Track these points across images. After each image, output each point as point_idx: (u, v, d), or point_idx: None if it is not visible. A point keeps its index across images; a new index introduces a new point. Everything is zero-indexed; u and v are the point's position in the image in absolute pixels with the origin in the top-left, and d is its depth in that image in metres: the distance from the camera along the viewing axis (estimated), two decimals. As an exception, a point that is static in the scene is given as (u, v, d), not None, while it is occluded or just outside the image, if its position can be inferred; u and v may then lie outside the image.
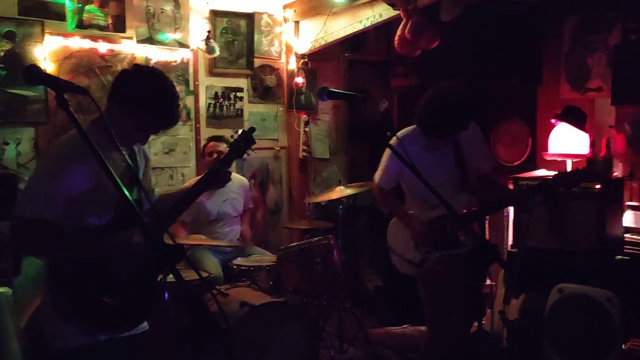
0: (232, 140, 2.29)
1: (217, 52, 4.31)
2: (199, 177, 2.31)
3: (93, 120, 2.02)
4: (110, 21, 3.96)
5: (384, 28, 4.90)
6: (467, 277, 2.85)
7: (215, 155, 3.99)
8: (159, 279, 3.25)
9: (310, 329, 3.22)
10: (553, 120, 3.95)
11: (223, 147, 3.97)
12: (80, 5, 3.84)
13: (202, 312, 1.18)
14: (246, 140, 2.25)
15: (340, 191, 3.89)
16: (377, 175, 2.99)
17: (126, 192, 1.39)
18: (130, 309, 1.95)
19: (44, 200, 1.81)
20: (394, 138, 2.73)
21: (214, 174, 2.21)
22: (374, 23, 4.08)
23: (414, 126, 2.88)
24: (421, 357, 3.13)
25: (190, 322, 1.18)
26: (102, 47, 3.92)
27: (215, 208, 3.98)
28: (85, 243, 1.87)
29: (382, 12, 3.97)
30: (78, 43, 3.84)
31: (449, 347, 2.95)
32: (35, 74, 1.35)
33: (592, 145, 3.67)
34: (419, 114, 2.77)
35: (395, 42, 3.89)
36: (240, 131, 2.29)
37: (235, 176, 4.17)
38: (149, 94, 1.95)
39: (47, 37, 3.72)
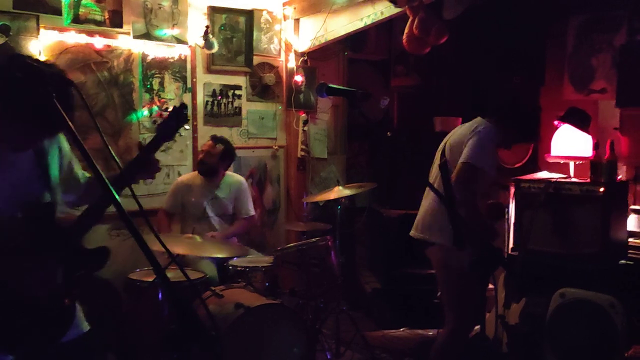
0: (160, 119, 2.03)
1: (216, 48, 4.24)
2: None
3: None
4: (107, 16, 3.89)
5: (385, 26, 4.86)
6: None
7: (201, 155, 3.92)
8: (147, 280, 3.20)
9: (306, 332, 3.16)
10: (556, 122, 3.89)
11: (219, 148, 3.90)
12: (76, -1, 3.77)
13: (190, 318, 1.10)
14: (178, 117, 1.95)
15: (339, 191, 3.83)
16: (480, 157, 2.80)
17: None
18: (25, 320, 1.71)
19: None
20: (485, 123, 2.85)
21: (139, 162, 1.95)
22: (375, 21, 4.01)
23: (486, 119, 2.93)
24: (438, 356, 3.03)
25: (176, 328, 1.10)
26: (99, 42, 3.86)
27: (201, 204, 3.90)
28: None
29: (384, 10, 3.90)
30: (74, 38, 3.78)
31: (462, 352, 2.90)
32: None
33: (596, 147, 3.62)
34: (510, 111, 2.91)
35: (404, 41, 3.82)
36: (171, 108, 1.98)
37: (230, 175, 4.10)
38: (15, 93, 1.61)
39: (42, 31, 3.66)
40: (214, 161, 3.90)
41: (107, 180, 1.24)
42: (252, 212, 4.11)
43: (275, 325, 2.99)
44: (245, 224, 4.09)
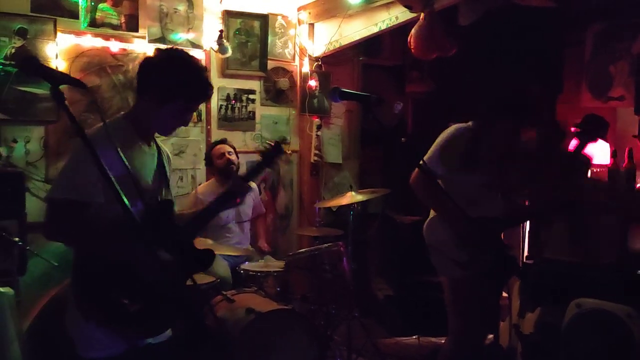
0: (263, 149, 2.26)
1: (230, 52, 4.25)
2: (219, 193, 2.24)
3: (125, 114, 1.99)
4: (122, 20, 3.93)
5: (400, 31, 4.82)
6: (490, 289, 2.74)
7: (226, 157, 3.93)
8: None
9: (317, 338, 3.13)
10: (573, 129, 3.83)
11: (228, 148, 3.92)
12: (93, 3, 3.81)
13: (198, 323, 1.09)
14: (278, 150, 2.23)
15: (351, 197, 3.80)
16: (430, 159, 2.77)
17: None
18: (154, 315, 1.86)
19: (82, 182, 1.73)
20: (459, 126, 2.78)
21: (237, 187, 2.17)
22: (389, 26, 3.99)
23: (469, 122, 2.85)
24: None
25: (184, 332, 1.10)
26: (114, 46, 3.89)
27: (224, 213, 3.91)
28: (115, 237, 1.77)
29: (399, 15, 3.88)
30: (90, 41, 3.81)
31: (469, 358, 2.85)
32: (33, 65, 1.29)
33: (614, 155, 3.56)
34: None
35: (410, 43, 3.80)
36: (273, 142, 2.28)
37: (242, 180, 4.13)
38: (176, 74, 1.89)
39: (59, 34, 3.69)
40: (238, 161, 4.01)
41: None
42: (262, 209, 4.31)
43: (286, 331, 2.97)
44: (263, 221, 4.28)
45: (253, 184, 4.20)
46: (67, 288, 1.87)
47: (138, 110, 1.97)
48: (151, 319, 1.83)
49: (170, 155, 2.20)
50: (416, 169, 2.75)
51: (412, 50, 3.82)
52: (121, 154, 1.45)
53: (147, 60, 1.98)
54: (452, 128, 2.87)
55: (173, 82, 1.89)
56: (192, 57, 1.98)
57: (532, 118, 2.87)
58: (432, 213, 2.93)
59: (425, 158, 2.79)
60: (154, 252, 1.62)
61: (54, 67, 1.21)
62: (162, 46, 4.02)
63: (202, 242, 3.53)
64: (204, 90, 1.99)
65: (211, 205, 2.14)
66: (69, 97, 1.40)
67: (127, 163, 1.52)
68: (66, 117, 1.32)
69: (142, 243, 1.49)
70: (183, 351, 1.59)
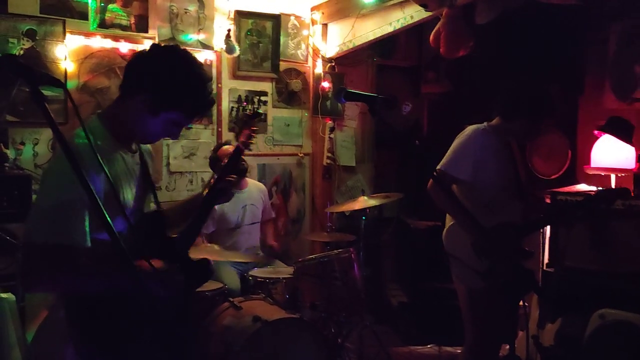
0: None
1: (237, 52, 4.17)
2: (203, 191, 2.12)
3: (100, 114, 1.75)
4: (132, 21, 3.88)
5: (415, 31, 4.72)
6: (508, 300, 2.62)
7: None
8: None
9: (326, 347, 3.03)
10: (596, 132, 3.69)
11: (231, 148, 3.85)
12: (103, 4, 3.76)
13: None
14: (237, 155, 2.08)
15: (364, 201, 3.70)
16: (448, 165, 2.67)
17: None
18: (171, 341, 1.68)
19: (67, 222, 1.49)
20: (476, 128, 2.70)
21: (217, 189, 2.00)
22: (404, 25, 3.89)
23: (485, 123, 2.78)
24: None
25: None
26: (124, 47, 3.84)
27: (235, 216, 3.85)
28: (116, 274, 1.51)
29: (414, 14, 3.78)
30: (99, 42, 3.77)
31: None
32: (10, 64, 1.20)
33: (639, 159, 3.40)
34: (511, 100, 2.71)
35: (432, 40, 3.70)
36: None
37: (252, 182, 4.06)
38: (179, 81, 1.67)
39: (68, 36, 3.65)
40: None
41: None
42: (272, 213, 4.21)
43: (293, 339, 2.88)
44: (272, 225, 4.18)
45: (263, 187, 4.13)
46: (59, 322, 1.69)
47: (121, 110, 1.73)
48: (158, 351, 1.68)
49: (150, 150, 2.00)
50: (433, 175, 2.64)
51: (440, 50, 3.70)
52: (105, 168, 1.30)
53: (144, 56, 1.73)
54: (469, 130, 2.78)
55: (176, 90, 1.67)
56: (199, 63, 1.77)
57: (549, 117, 2.75)
58: (449, 220, 2.83)
59: (441, 163, 2.72)
60: (148, 279, 1.50)
61: (31, 66, 1.06)
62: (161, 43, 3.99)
63: (209, 248, 3.46)
64: (207, 105, 1.78)
65: (200, 210, 1.98)
66: (76, 99, 1.30)
67: (101, 186, 1.37)
68: (45, 119, 1.16)
69: (133, 273, 1.23)
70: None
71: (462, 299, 2.82)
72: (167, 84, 1.67)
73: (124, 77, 1.76)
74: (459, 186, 2.73)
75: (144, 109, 1.68)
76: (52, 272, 1.49)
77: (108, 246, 1.18)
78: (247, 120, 2.14)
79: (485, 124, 2.79)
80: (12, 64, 1.18)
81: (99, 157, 1.32)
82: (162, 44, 1.91)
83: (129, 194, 1.72)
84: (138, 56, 1.76)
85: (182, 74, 1.68)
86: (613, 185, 3.64)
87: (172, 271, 1.70)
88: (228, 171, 2.04)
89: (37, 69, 1.19)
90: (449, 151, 2.75)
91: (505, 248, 2.54)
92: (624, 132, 3.56)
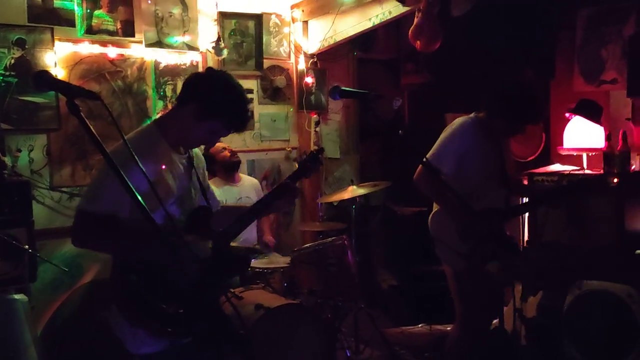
0: (301, 159, 2.33)
1: (225, 55, 4.28)
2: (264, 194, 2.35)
3: (156, 121, 2.08)
4: (119, 26, 3.96)
5: (393, 25, 4.87)
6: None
7: (227, 149, 3.95)
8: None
9: (325, 330, 3.19)
10: (567, 114, 3.89)
11: (223, 144, 3.96)
12: (89, 10, 3.84)
13: (219, 317, 1.15)
14: (316, 160, 2.29)
15: (353, 191, 3.86)
16: (433, 156, 2.79)
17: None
18: (192, 316, 1.89)
19: (109, 196, 1.81)
20: (463, 120, 2.80)
21: (284, 188, 2.19)
22: (383, 20, 4.04)
23: (473, 114, 2.89)
24: (448, 355, 3.09)
25: (208, 328, 1.15)
26: (112, 52, 3.92)
27: None
28: (145, 244, 1.83)
29: (392, 10, 3.93)
30: (88, 48, 3.84)
31: (475, 345, 2.92)
32: (46, 80, 1.34)
33: (609, 138, 3.61)
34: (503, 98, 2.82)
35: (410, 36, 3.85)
36: (309, 152, 2.38)
37: (246, 177, 4.17)
38: (224, 96, 1.98)
39: (57, 43, 3.73)
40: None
41: None
42: None
43: (295, 325, 3.03)
44: (267, 217, 4.25)
45: (256, 181, 4.26)
46: (108, 286, 1.95)
47: (173, 116, 2.04)
48: (189, 320, 1.88)
49: (199, 153, 2.24)
50: (420, 166, 2.78)
51: (417, 46, 3.84)
52: (143, 169, 1.49)
53: (198, 75, 2.10)
54: (457, 123, 2.90)
55: (220, 103, 1.97)
56: (241, 87, 2.06)
57: (533, 124, 2.94)
58: (435, 206, 2.99)
59: (430, 153, 2.82)
60: (186, 257, 1.68)
61: (65, 80, 1.20)
62: (161, 50, 4.09)
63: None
64: (244, 121, 2.09)
65: (252, 210, 2.21)
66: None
67: (149, 178, 1.56)
68: (74, 126, 1.33)
69: (170, 249, 1.50)
70: (207, 347, 1.66)
71: (449, 279, 3.00)
72: (212, 97, 1.97)
73: (180, 91, 2.08)
74: (444, 176, 2.82)
75: (191, 117, 1.97)
76: (88, 234, 1.87)
77: (145, 222, 1.43)
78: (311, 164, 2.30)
79: (473, 114, 2.91)
80: (48, 79, 1.31)
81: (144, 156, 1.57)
82: (218, 69, 2.26)
83: (174, 189, 1.98)
84: (193, 74, 2.11)
85: (225, 91, 1.99)
86: (585, 165, 3.84)
87: (186, 246, 1.88)
88: (302, 174, 2.27)
89: (71, 84, 1.32)
90: (437, 142, 2.87)
91: (493, 231, 2.70)
92: (594, 114, 3.75)
